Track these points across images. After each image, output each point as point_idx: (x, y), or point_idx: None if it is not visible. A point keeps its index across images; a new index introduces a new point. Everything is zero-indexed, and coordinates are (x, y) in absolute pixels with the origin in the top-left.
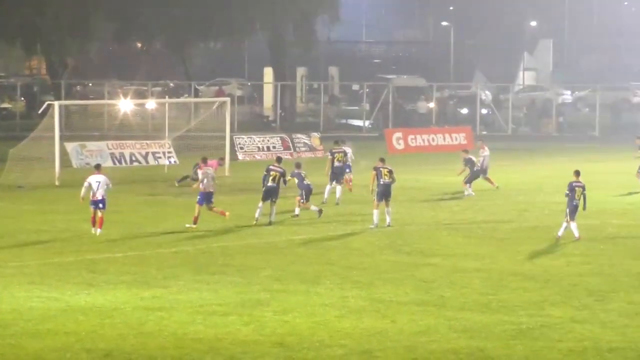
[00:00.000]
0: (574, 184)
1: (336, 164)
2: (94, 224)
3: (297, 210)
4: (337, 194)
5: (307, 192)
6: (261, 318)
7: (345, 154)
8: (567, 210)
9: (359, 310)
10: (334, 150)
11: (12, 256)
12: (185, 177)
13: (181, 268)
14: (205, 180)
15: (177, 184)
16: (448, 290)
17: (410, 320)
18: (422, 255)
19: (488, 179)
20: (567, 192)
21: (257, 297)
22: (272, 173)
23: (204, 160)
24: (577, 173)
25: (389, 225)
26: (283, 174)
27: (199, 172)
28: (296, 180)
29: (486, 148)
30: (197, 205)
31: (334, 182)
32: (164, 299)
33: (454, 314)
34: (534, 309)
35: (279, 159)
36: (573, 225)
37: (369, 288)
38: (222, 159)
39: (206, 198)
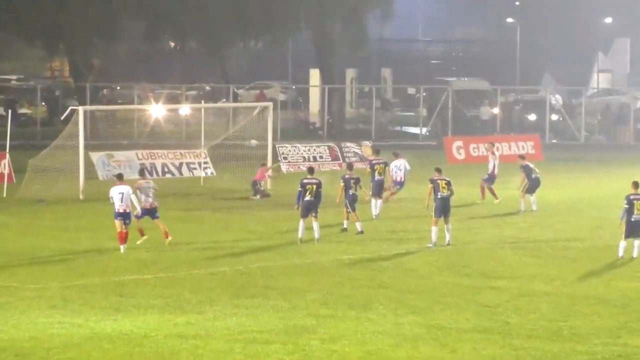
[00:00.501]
0: (631, 197)
1: (377, 177)
2: (122, 240)
3: (345, 224)
4: (378, 209)
5: (352, 202)
6: (307, 347)
7: (386, 165)
8: (625, 226)
9: (415, 338)
10: (374, 162)
11: (32, 277)
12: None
13: (218, 291)
14: (142, 197)
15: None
16: (514, 316)
17: (472, 350)
18: (485, 277)
19: (492, 190)
20: (626, 205)
21: (302, 323)
22: (308, 187)
23: (142, 173)
24: (636, 185)
25: (448, 244)
26: (319, 185)
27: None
28: (342, 184)
29: (496, 153)
30: (135, 220)
31: (376, 196)
32: (199, 326)
33: (520, 343)
34: (610, 337)
35: (311, 170)
36: (622, 244)
37: (426, 314)
38: (264, 164)
39: (149, 213)
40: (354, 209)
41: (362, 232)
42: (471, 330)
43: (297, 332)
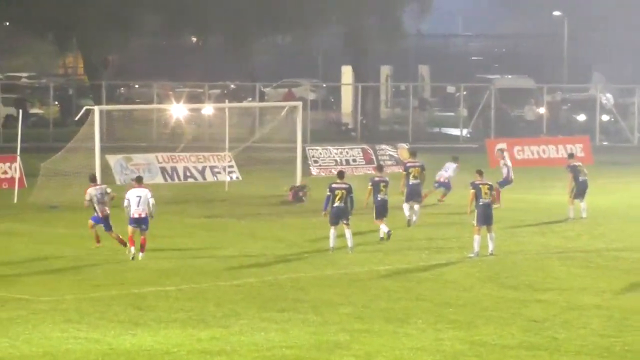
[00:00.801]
0: None
1: (412, 181)
2: (131, 243)
3: (381, 233)
4: (415, 215)
5: (379, 207)
6: None
7: (422, 169)
8: None
9: (456, 355)
10: (409, 165)
11: (45, 289)
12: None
13: (244, 304)
14: (96, 205)
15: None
16: (562, 332)
17: None
18: (531, 289)
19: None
20: None
21: (334, 339)
22: (337, 192)
23: (92, 179)
24: None
25: (491, 254)
26: (349, 190)
27: (87, 192)
28: (370, 187)
29: (506, 158)
30: (90, 222)
31: (410, 202)
32: (225, 341)
33: None
34: None
35: (341, 174)
36: None
37: (468, 329)
38: (292, 187)
39: (103, 222)
40: (379, 216)
41: (389, 232)
42: (516, 347)
43: (330, 348)
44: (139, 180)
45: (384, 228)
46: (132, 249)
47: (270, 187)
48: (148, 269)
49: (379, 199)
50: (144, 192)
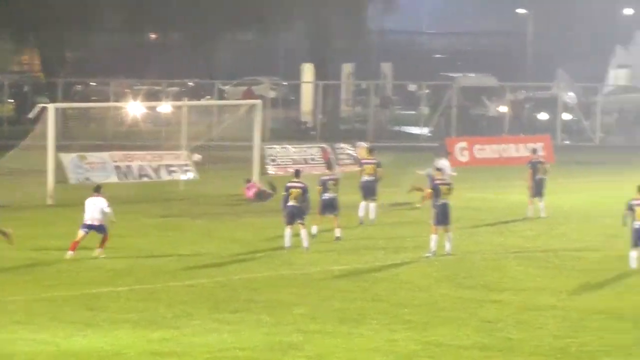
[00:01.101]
0: (634, 203)
1: (365, 177)
2: (72, 247)
3: (337, 232)
4: (371, 214)
5: (326, 206)
6: None
7: (378, 165)
8: (631, 234)
9: (409, 355)
10: (363, 162)
11: None
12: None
13: (196, 305)
14: None
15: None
16: (517, 332)
17: None
18: (487, 289)
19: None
20: (626, 211)
21: (288, 340)
22: (292, 191)
23: None
24: None
25: (448, 254)
26: (305, 190)
27: None
28: (320, 187)
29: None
30: None
31: (367, 199)
32: (176, 342)
33: None
34: (621, 354)
35: (297, 173)
36: (633, 255)
37: (422, 329)
38: (249, 180)
39: None
40: (322, 212)
41: (315, 235)
42: (470, 347)
43: (283, 349)
44: (96, 190)
45: (313, 229)
46: (71, 252)
47: (228, 186)
48: (102, 269)
49: (326, 197)
50: (100, 201)
